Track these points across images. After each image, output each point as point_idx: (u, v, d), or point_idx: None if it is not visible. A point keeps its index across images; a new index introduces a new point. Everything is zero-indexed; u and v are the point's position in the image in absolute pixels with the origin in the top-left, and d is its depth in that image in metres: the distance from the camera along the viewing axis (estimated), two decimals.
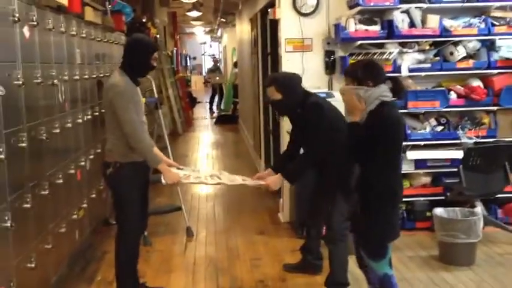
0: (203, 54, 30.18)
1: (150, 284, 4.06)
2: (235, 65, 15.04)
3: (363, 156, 3.02)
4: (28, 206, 3.37)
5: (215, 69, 18.13)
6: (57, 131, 4.02)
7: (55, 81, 4.01)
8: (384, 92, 3.00)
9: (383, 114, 2.95)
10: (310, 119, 3.73)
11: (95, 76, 5.30)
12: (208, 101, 17.99)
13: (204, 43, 29.18)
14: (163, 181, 3.70)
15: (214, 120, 14.81)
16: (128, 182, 3.58)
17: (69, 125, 4.36)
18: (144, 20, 8.90)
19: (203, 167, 3.97)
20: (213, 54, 24.38)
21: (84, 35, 4.88)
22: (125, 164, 3.56)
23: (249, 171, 8.18)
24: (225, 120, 14.35)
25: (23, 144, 3.35)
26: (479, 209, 4.55)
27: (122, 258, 3.67)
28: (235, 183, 3.79)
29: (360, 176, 3.11)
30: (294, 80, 3.92)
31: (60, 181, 4.04)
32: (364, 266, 3.26)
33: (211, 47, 29.93)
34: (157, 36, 11.37)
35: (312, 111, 3.74)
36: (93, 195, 4.99)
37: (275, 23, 5.86)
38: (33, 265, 3.39)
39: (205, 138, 12.19)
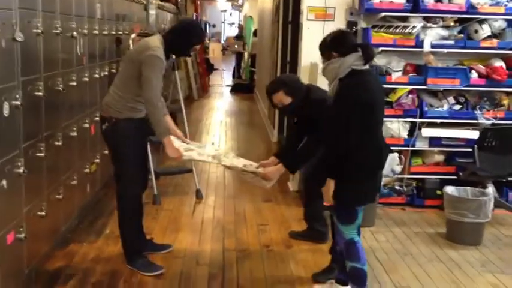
0: (223, 22, 29.91)
1: (158, 241, 4.11)
2: (254, 33, 14.89)
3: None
4: (41, 155, 3.41)
5: (240, 37, 17.94)
6: (74, 83, 4.03)
7: (74, 33, 4.00)
8: (355, 61, 2.99)
9: (350, 79, 2.97)
10: (317, 116, 3.57)
11: (114, 33, 5.28)
12: (224, 68, 17.90)
13: (225, 11, 28.88)
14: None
15: (230, 88, 14.74)
16: (124, 138, 3.52)
17: (86, 79, 4.37)
18: None
19: (209, 146, 3.86)
20: (240, 24, 23.89)
21: None
22: (120, 120, 3.50)
23: (261, 140, 8.26)
24: (241, 89, 14.29)
25: (39, 93, 3.36)
26: (490, 189, 4.51)
27: (123, 214, 3.65)
28: (235, 168, 3.68)
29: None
30: (297, 78, 3.92)
31: (75, 134, 4.07)
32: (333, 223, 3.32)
33: (232, 15, 29.63)
34: (179, 0, 11.26)
35: (318, 108, 3.63)
36: (106, 151, 5.01)
37: None
38: (43, 213, 3.44)
39: (220, 105, 12.17)
